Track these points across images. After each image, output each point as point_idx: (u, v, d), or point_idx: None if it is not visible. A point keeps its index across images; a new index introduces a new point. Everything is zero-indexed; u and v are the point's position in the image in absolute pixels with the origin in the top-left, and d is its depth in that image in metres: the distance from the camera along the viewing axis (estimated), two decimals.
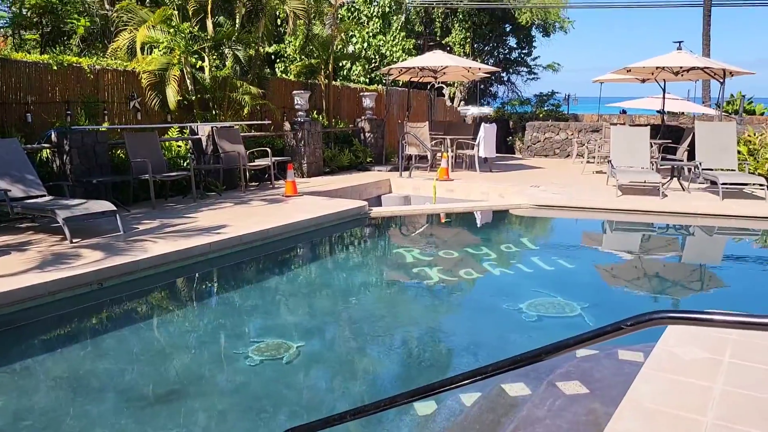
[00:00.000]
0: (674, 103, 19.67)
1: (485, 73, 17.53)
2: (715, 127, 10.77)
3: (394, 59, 18.56)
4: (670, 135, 13.60)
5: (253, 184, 10.83)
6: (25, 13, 12.46)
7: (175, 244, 6.27)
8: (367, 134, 14.14)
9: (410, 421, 3.41)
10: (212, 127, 10.21)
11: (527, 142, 17.24)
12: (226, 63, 11.87)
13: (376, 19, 19.32)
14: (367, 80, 18.68)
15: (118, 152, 9.10)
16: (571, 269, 6.67)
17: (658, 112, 18.29)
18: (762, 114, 22.35)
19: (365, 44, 18.84)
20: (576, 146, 15.89)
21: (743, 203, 9.11)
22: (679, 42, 12.83)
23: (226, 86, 11.19)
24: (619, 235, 9.24)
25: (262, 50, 13.28)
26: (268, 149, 10.78)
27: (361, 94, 14.69)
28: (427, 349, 4.77)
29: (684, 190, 10.36)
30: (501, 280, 6.32)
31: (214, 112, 11.19)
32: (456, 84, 24.20)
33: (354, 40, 18.62)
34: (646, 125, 14.81)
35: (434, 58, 14.02)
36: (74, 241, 6.26)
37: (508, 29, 26.60)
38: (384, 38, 19.18)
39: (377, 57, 19.02)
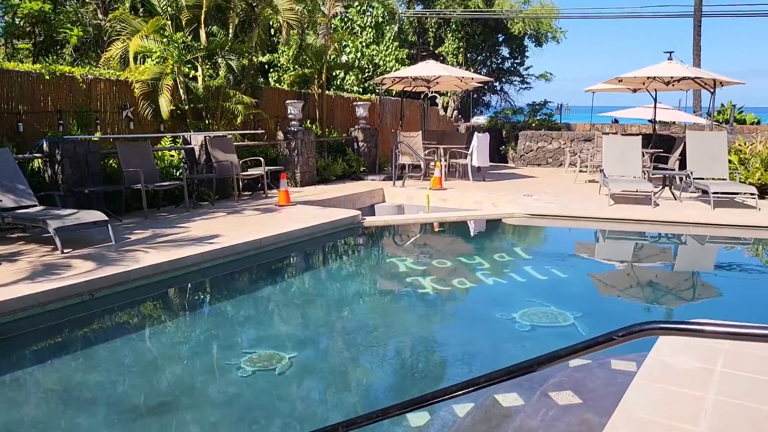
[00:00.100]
0: (665, 113, 19.82)
1: (478, 82, 17.63)
2: (706, 137, 10.85)
3: (388, 69, 18.65)
4: (662, 144, 13.69)
5: (246, 193, 10.81)
6: (18, 22, 12.46)
7: (167, 254, 6.24)
8: (361, 143, 14.15)
9: None
10: (205, 137, 10.20)
11: (520, 152, 17.31)
12: (220, 72, 11.88)
13: (370, 29, 19.42)
14: (361, 90, 18.76)
15: (111, 162, 9.07)
16: (564, 278, 6.69)
17: (649, 121, 18.42)
18: (752, 123, 22.55)
19: (358, 54, 18.92)
20: (569, 155, 15.98)
21: (734, 212, 9.18)
22: (670, 52, 12.96)
23: (219, 96, 11.20)
24: (611, 244, 9.28)
25: (255, 60, 13.31)
26: (261, 159, 10.76)
27: (355, 103, 14.73)
28: (420, 359, 4.76)
29: (676, 199, 10.42)
30: (494, 289, 6.32)
31: (207, 122, 11.19)
32: (449, 93, 24.32)
33: (347, 49, 18.69)
34: (637, 134, 14.93)
35: (427, 68, 14.08)
36: (65, 251, 6.22)
37: (500, 39, 26.81)
38: (377, 48, 19.28)
39: (370, 66, 19.10)
